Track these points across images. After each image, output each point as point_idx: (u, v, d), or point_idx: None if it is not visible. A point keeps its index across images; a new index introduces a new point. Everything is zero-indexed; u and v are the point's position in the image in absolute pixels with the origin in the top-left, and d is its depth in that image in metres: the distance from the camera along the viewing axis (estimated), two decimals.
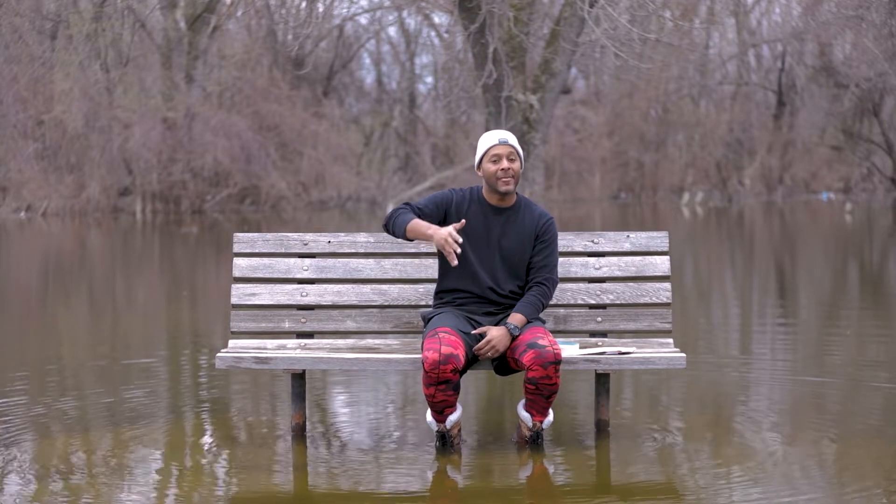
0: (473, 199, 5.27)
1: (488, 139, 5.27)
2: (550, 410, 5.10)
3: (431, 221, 5.18)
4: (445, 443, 5.13)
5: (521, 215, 5.26)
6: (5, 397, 6.60)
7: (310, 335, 5.60)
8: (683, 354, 5.19)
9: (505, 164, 5.18)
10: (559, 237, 5.61)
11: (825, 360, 7.92)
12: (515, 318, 5.10)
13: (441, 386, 4.89)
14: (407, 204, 5.27)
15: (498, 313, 5.22)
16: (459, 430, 5.18)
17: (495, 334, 5.03)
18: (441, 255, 5.25)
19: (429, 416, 5.13)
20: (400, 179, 42.88)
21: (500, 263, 5.21)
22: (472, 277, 5.20)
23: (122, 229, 27.68)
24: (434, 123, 44.71)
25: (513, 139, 5.28)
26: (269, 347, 5.51)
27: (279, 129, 36.99)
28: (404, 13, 38.34)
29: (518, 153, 5.25)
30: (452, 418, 5.08)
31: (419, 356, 5.19)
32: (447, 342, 4.89)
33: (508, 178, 5.19)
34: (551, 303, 5.50)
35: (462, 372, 4.98)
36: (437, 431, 5.12)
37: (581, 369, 5.21)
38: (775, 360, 7.98)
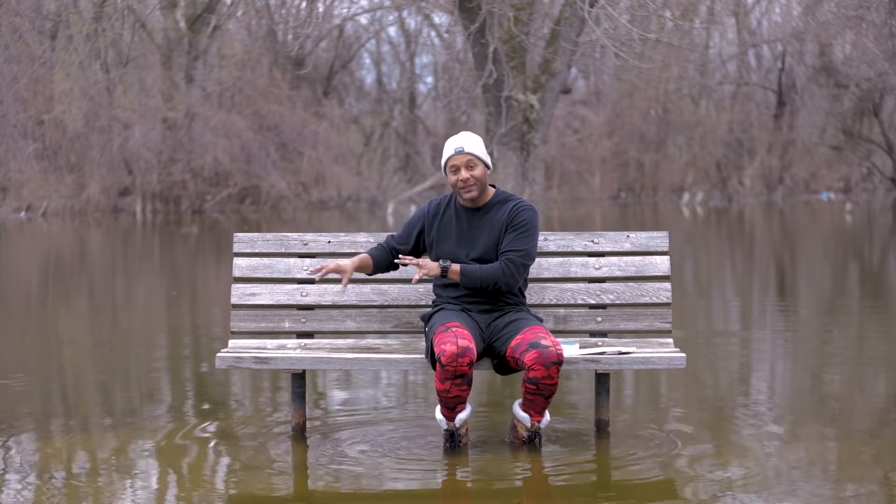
0: (451, 204, 5.33)
1: (446, 150, 5.25)
2: (547, 411, 5.10)
3: (406, 247, 5.33)
4: (454, 442, 5.11)
5: (495, 211, 5.26)
6: (4, 397, 6.60)
7: (310, 335, 5.60)
8: (683, 354, 5.19)
9: (463, 174, 5.17)
10: (559, 236, 5.61)
11: (825, 359, 7.92)
12: (454, 266, 5.16)
13: (457, 380, 4.88)
14: (386, 238, 5.42)
15: (495, 311, 5.22)
16: (467, 430, 5.17)
17: (427, 263, 5.15)
18: (432, 252, 5.34)
19: (438, 414, 5.08)
20: (400, 179, 42.90)
21: (475, 261, 5.22)
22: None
23: (122, 229, 27.69)
24: (434, 123, 44.71)
25: (470, 144, 5.20)
26: (269, 347, 5.51)
27: (279, 129, 37.00)
28: (404, 13, 38.35)
29: (476, 157, 5.19)
30: (462, 416, 5.05)
31: (419, 356, 5.19)
32: (462, 335, 4.89)
33: (469, 188, 5.19)
34: (551, 302, 5.50)
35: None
36: (446, 430, 5.10)
37: (581, 369, 5.21)
38: (775, 358, 7.98)
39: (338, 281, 5.60)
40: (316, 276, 5.22)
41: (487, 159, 5.26)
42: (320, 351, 5.39)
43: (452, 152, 5.20)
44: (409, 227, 5.36)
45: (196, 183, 35.56)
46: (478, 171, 5.19)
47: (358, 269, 5.28)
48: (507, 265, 5.14)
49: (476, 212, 5.28)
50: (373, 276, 5.50)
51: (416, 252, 5.37)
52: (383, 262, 5.35)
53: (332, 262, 5.21)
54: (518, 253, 5.16)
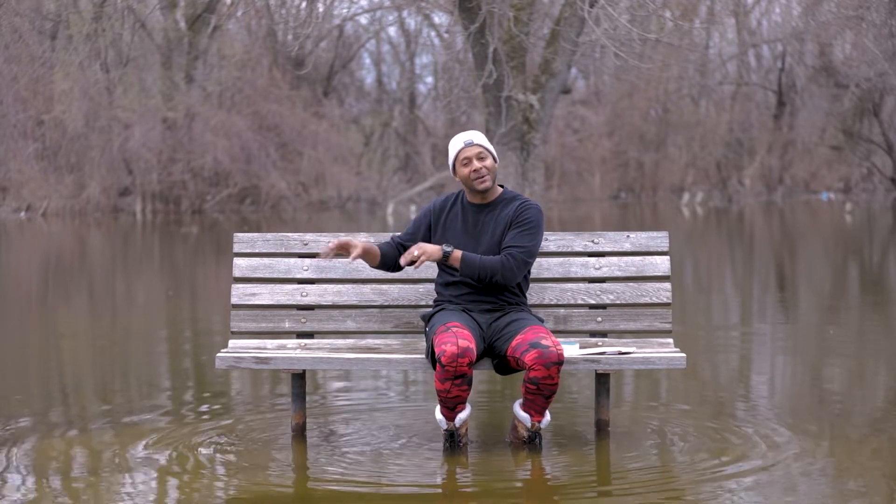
0: (457, 201, 5.34)
1: (455, 144, 5.27)
2: (548, 411, 5.10)
3: (413, 243, 5.26)
4: (454, 442, 5.11)
5: (502, 209, 5.27)
6: (4, 397, 6.60)
7: (310, 335, 5.60)
8: (683, 354, 5.19)
9: (475, 164, 5.20)
10: (559, 236, 5.61)
11: (825, 359, 7.92)
12: (456, 252, 5.13)
13: (457, 381, 4.88)
14: (392, 237, 5.37)
15: (496, 311, 5.22)
16: (467, 430, 5.17)
17: (427, 246, 5.09)
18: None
19: (438, 414, 5.08)
20: (400, 179, 42.91)
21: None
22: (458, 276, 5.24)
23: (122, 229, 27.69)
24: (434, 123, 44.72)
25: (479, 137, 5.26)
26: (269, 347, 5.51)
27: (279, 129, 37.00)
28: (404, 13, 38.38)
29: (487, 149, 5.25)
30: (462, 416, 5.05)
31: (419, 356, 5.19)
32: (462, 336, 4.89)
33: (483, 177, 5.21)
34: (551, 302, 5.50)
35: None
36: (446, 430, 5.09)
37: (581, 369, 5.21)
38: (775, 358, 7.98)
39: (338, 281, 5.60)
40: (325, 257, 5.15)
41: (495, 152, 5.32)
42: (320, 351, 5.39)
43: (462, 145, 5.23)
44: (416, 224, 5.36)
45: (196, 183, 35.57)
46: (489, 162, 5.24)
47: (365, 252, 5.19)
48: (508, 259, 5.14)
49: (482, 209, 5.29)
50: (372, 278, 5.50)
51: None
52: (389, 256, 5.29)
53: (336, 241, 5.14)
54: (520, 249, 5.16)
